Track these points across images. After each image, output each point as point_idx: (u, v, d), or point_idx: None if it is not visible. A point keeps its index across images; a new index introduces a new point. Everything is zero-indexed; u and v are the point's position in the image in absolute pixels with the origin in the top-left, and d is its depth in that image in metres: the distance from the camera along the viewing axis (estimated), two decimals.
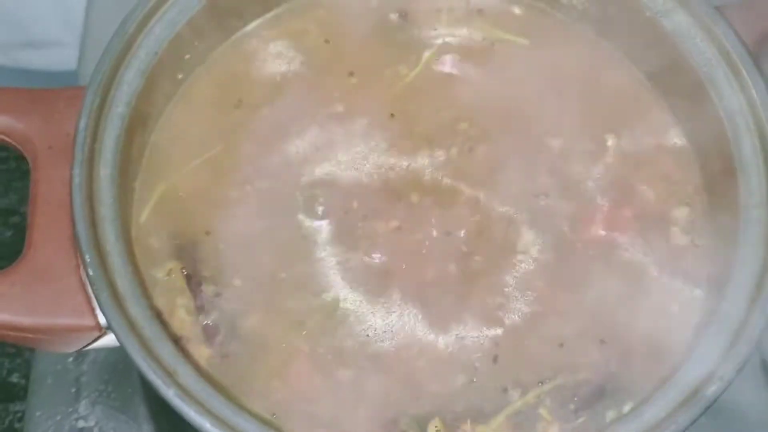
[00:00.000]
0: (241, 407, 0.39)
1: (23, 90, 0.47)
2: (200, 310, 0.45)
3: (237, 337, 0.45)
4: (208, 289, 0.46)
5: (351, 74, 0.52)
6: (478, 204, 0.48)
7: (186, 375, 0.38)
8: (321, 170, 0.49)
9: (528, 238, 0.47)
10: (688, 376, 0.39)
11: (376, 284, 0.46)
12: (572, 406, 0.42)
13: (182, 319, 0.45)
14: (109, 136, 0.45)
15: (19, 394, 0.89)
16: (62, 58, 0.89)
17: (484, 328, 0.44)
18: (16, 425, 0.87)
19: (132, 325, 0.39)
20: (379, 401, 0.43)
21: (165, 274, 0.46)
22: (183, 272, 0.46)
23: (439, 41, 0.53)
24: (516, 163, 0.49)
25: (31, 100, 0.47)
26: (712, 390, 0.37)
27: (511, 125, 0.50)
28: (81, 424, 0.58)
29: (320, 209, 0.48)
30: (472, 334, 0.44)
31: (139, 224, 0.47)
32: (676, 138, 0.50)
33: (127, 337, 0.38)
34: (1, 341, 0.42)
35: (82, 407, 0.58)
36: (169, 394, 0.36)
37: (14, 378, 0.91)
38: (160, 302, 0.45)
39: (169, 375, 0.37)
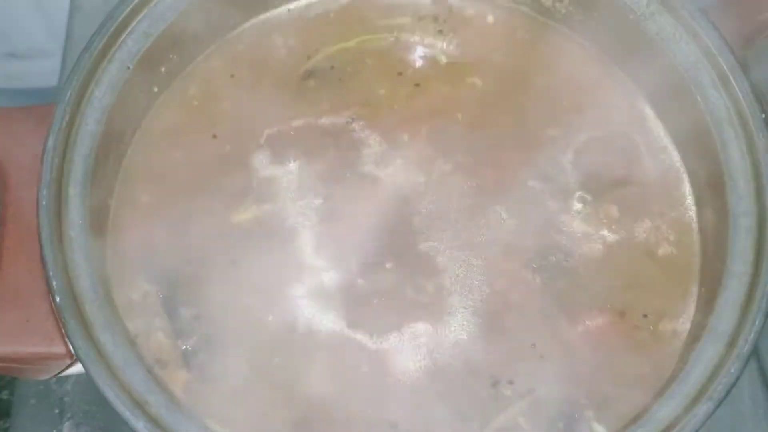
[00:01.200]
0: None
1: None
2: (179, 333, 0.44)
3: (217, 362, 0.43)
4: (186, 312, 0.44)
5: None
6: None
7: (158, 405, 0.37)
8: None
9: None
10: (678, 394, 0.37)
11: (358, 310, 0.45)
12: (561, 425, 0.41)
13: (160, 342, 0.44)
14: (79, 154, 0.43)
15: (9, 410, 0.87)
16: (46, 68, 0.88)
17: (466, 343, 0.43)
18: None
19: (100, 353, 0.37)
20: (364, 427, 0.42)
21: (141, 297, 0.44)
22: (159, 295, 0.45)
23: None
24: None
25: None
26: (703, 409, 0.36)
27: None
28: None
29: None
30: (454, 351, 0.43)
31: (114, 244, 0.46)
32: (663, 144, 0.49)
33: (95, 366, 0.37)
34: None
35: (66, 429, 0.57)
36: (138, 426, 0.35)
37: (4, 395, 0.90)
38: (137, 324, 0.43)
39: (139, 406, 0.36)
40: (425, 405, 0.42)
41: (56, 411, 0.58)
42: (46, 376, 0.43)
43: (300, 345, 0.44)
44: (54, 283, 0.38)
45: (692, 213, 0.47)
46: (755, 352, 0.58)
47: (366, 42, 0.53)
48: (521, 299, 0.45)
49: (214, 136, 0.50)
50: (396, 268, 0.45)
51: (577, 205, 0.47)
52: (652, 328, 0.43)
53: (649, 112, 0.50)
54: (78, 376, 0.61)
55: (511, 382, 0.42)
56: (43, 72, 0.89)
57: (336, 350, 0.44)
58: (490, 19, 0.53)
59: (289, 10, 0.53)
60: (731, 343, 0.38)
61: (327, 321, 0.44)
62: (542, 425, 0.41)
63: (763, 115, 0.43)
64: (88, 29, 0.47)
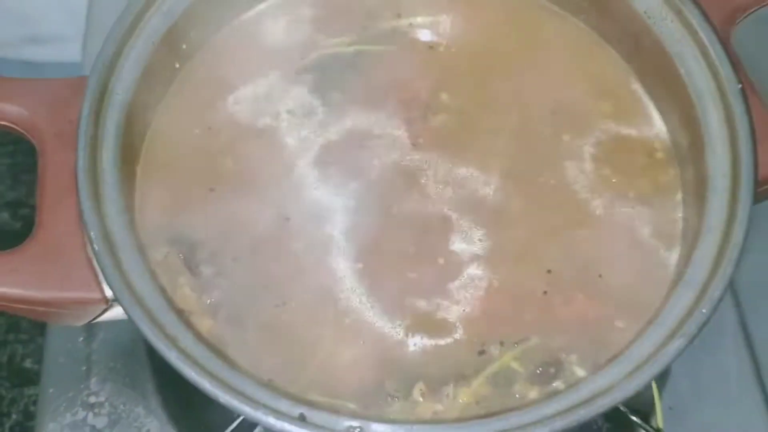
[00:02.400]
0: (240, 370, 0.42)
1: (30, 80, 0.50)
2: (202, 289, 0.47)
3: (239, 314, 0.47)
4: (206, 270, 0.48)
5: None
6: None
7: (187, 340, 0.41)
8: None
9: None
10: (654, 334, 0.41)
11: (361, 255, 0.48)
12: (552, 370, 0.45)
13: (186, 295, 0.47)
14: (110, 120, 0.47)
15: (33, 378, 0.92)
16: (66, 52, 0.92)
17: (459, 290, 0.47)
18: (31, 408, 0.91)
19: (136, 296, 0.42)
20: (367, 367, 0.45)
21: (162, 257, 0.48)
22: (180, 256, 0.48)
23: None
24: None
25: (36, 90, 0.49)
26: (676, 344, 0.40)
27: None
28: (92, 399, 0.60)
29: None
30: (448, 300, 0.47)
31: (138, 208, 0.49)
32: (650, 115, 0.53)
33: (132, 307, 0.41)
34: (14, 314, 0.45)
35: (93, 384, 0.61)
36: (171, 356, 0.39)
37: (27, 363, 0.95)
38: (163, 280, 0.47)
39: (171, 340, 0.40)
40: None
41: (84, 368, 0.62)
42: (81, 322, 0.47)
43: (318, 301, 0.47)
44: (92, 233, 0.42)
45: (677, 176, 0.51)
46: (739, 313, 0.62)
47: None
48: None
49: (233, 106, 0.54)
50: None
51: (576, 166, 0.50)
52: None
53: (638, 87, 0.54)
54: (105, 334, 0.65)
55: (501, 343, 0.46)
56: (64, 55, 0.93)
57: (343, 306, 0.47)
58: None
59: None
60: (704, 290, 0.42)
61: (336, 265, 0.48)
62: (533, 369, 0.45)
63: (740, 86, 0.47)
64: (108, 14, 0.51)
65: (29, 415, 0.89)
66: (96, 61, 0.48)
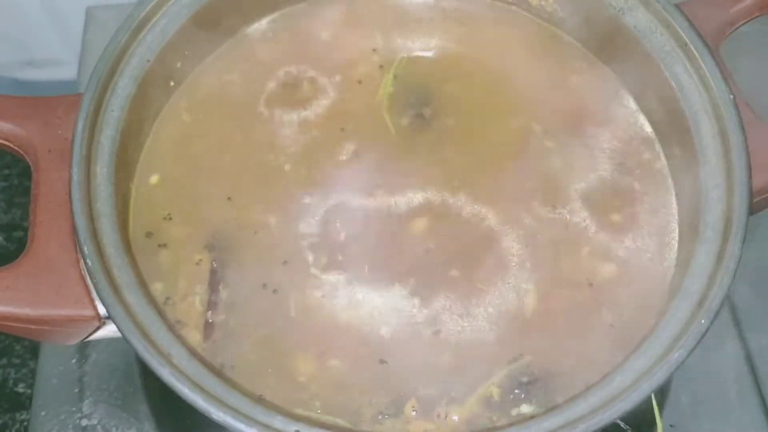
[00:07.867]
0: (232, 386, 0.41)
1: (25, 98, 0.50)
2: (211, 305, 0.47)
3: (229, 343, 0.46)
4: (224, 292, 0.47)
5: None
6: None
7: (180, 357, 0.40)
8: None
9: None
10: (654, 346, 0.41)
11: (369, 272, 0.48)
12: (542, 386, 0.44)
13: (193, 306, 0.46)
14: (105, 137, 0.47)
15: (25, 403, 0.91)
16: (62, 75, 0.92)
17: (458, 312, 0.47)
18: None
19: (129, 312, 0.41)
20: (358, 384, 0.45)
21: (195, 263, 0.47)
22: (213, 264, 0.47)
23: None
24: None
25: (31, 107, 0.49)
26: (675, 356, 0.39)
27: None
28: (84, 422, 0.59)
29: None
30: (449, 318, 0.47)
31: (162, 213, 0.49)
32: (642, 127, 0.53)
33: (125, 323, 0.40)
34: (6, 333, 0.44)
35: (86, 406, 0.60)
36: (164, 373, 0.39)
37: (20, 388, 0.94)
38: (182, 285, 0.47)
39: (164, 357, 0.40)
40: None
41: (76, 390, 0.61)
42: (75, 340, 0.46)
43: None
44: (85, 249, 0.42)
45: (672, 190, 0.51)
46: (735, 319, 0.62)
47: None
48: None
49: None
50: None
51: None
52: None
53: (631, 104, 0.54)
54: (97, 356, 0.64)
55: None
56: (59, 78, 0.93)
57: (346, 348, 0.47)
58: (482, 19, 0.57)
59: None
60: (702, 301, 0.41)
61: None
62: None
63: (732, 96, 0.47)
64: (103, 39, 0.51)
65: None
66: (91, 77, 0.48)
